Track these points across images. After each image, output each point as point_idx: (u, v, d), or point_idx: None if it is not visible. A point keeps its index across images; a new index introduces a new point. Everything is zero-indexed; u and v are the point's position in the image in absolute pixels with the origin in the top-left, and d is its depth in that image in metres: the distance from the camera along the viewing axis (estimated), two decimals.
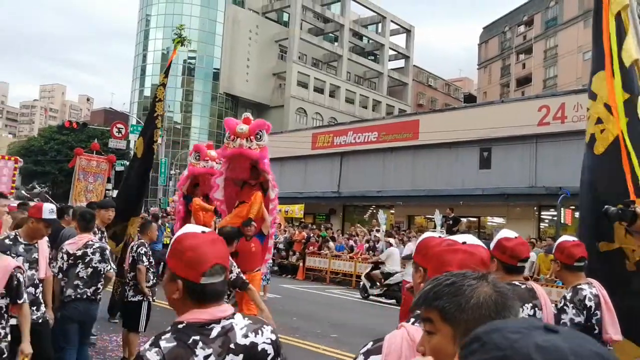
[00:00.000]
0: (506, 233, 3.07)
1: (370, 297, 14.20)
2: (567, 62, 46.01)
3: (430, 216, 21.25)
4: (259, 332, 1.72)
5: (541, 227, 22.57)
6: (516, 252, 2.95)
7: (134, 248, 6.67)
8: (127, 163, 10.03)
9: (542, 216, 22.67)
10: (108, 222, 6.95)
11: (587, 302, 3.23)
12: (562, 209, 16.72)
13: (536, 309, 2.87)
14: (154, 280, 6.66)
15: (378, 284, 14.13)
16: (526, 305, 2.84)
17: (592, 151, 3.95)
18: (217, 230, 7.00)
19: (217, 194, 9.21)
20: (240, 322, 1.70)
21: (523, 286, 2.95)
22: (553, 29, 48.76)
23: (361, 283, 14.74)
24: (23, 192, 17.67)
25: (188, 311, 1.66)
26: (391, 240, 15.81)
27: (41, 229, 4.63)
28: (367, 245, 18.82)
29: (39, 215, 4.57)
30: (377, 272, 14.25)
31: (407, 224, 26.27)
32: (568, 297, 3.27)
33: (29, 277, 4.37)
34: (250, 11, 53.15)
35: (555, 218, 19.22)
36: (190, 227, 1.79)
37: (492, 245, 2.99)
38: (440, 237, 2.64)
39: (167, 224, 19.59)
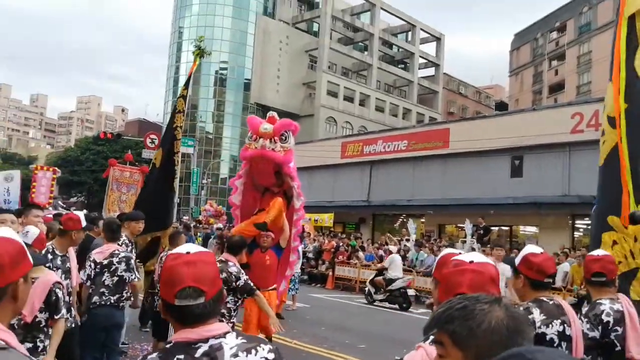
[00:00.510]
0: (532, 248, 3.04)
1: (375, 302, 14.80)
2: (601, 68, 44.88)
3: (461, 225, 21.03)
4: (252, 351, 1.66)
5: (575, 236, 22.09)
6: (543, 267, 2.92)
7: (163, 259, 6.79)
8: None
9: (576, 225, 22.18)
10: (138, 234, 7.07)
11: (604, 317, 3.20)
12: None
13: (565, 325, 2.82)
14: None
15: (382, 289, 14.69)
16: (555, 321, 2.79)
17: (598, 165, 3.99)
18: (225, 239, 7.05)
19: (235, 197, 8.32)
20: (231, 342, 1.66)
21: (551, 302, 2.90)
22: (587, 35, 47.83)
23: (366, 289, 15.30)
24: (59, 202, 18.12)
25: (178, 331, 1.69)
26: (391, 247, 16.31)
27: (81, 237, 4.97)
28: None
29: (80, 226, 4.90)
30: (380, 278, 14.81)
31: (438, 233, 26.01)
32: (584, 312, 3.30)
33: (65, 286, 4.51)
34: (281, 22, 53.67)
35: (590, 227, 18.78)
36: (180, 247, 1.80)
37: (517, 260, 2.99)
38: (460, 252, 2.65)
39: (199, 234, 19.88)
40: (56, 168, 19.11)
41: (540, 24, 54.71)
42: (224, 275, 5.67)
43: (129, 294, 5.68)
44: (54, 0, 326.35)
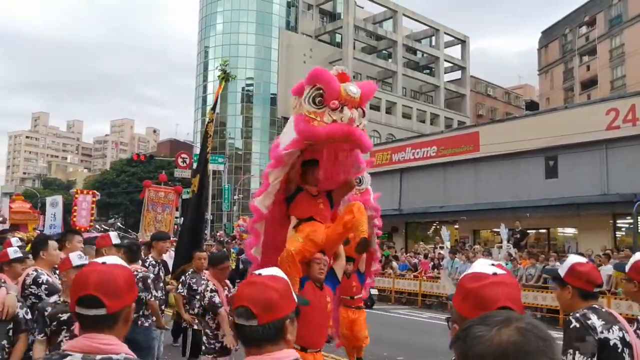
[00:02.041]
0: (576, 258, 2.98)
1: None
2: (635, 61, 43.85)
3: (496, 230, 20.58)
4: None
5: (617, 236, 21.38)
6: (592, 277, 2.85)
7: (184, 279, 6.84)
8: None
9: (617, 225, 21.48)
10: (165, 253, 7.13)
11: None
12: (638, 217, 15.79)
13: (623, 331, 2.71)
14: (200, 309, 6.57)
15: None
16: (614, 326, 2.69)
17: None
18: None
19: (261, 200, 4.71)
20: None
21: (603, 310, 2.82)
22: (618, 27, 46.71)
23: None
24: (97, 226, 18.54)
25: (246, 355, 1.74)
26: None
27: (114, 254, 4.90)
28: (432, 263, 18.43)
29: (110, 243, 5.07)
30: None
31: (473, 239, 25.53)
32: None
33: None
34: (304, 35, 53.99)
35: (632, 227, 18.18)
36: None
37: (563, 272, 2.90)
38: (492, 264, 2.48)
39: (232, 249, 19.96)
40: (96, 192, 19.53)
41: (568, 19, 53.70)
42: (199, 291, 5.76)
43: (148, 312, 5.82)
44: (84, 28, 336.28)
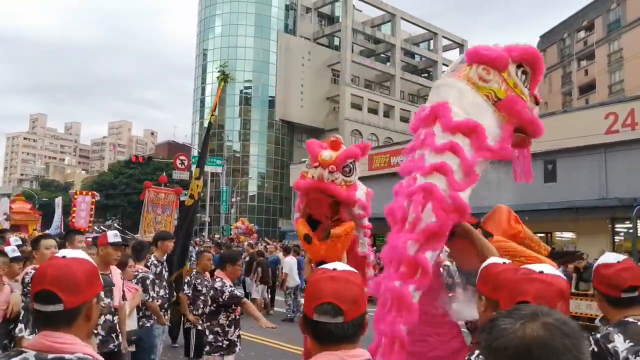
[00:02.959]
0: (607, 258, 2.57)
1: None
2: (634, 65, 43.98)
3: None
4: None
5: (616, 240, 21.37)
6: (614, 280, 2.43)
7: (189, 279, 6.85)
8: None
9: (616, 229, 21.48)
10: (169, 253, 7.16)
11: None
12: (638, 221, 15.77)
13: None
14: (207, 308, 6.64)
15: None
16: None
17: None
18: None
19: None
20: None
21: (639, 323, 2.37)
22: (616, 32, 46.86)
23: None
24: (95, 227, 18.54)
25: (317, 352, 1.66)
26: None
27: (111, 253, 4.94)
28: None
29: (107, 241, 4.94)
30: None
31: None
32: None
33: (106, 305, 4.71)
34: (302, 38, 54.03)
35: (632, 231, 18.17)
36: (329, 264, 1.77)
37: (593, 275, 2.59)
38: (504, 262, 2.46)
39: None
40: (95, 192, 19.53)
41: (567, 24, 53.87)
42: (212, 292, 5.75)
43: (149, 312, 5.97)
44: (84, 30, 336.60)
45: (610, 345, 2.25)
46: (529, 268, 1.74)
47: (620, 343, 2.26)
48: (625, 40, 45.55)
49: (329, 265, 1.72)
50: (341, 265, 1.71)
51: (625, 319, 2.37)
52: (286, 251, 16.17)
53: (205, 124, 53.39)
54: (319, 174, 5.50)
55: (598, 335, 2.32)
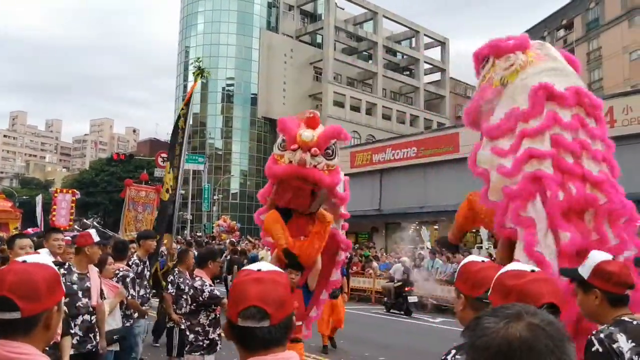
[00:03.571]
0: (601, 255, 2.51)
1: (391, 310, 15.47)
2: (612, 64, 44.62)
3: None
4: None
5: None
6: (623, 277, 2.43)
7: (172, 279, 6.82)
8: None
9: None
10: (152, 252, 7.16)
11: None
12: None
13: None
14: (189, 307, 6.63)
15: (392, 296, 15.42)
16: None
17: None
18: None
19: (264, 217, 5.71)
20: None
21: (635, 322, 2.36)
22: (595, 31, 47.45)
23: (384, 298, 16.08)
24: (76, 226, 18.29)
25: (243, 357, 1.60)
26: (403, 258, 16.38)
27: (97, 252, 4.95)
28: (413, 263, 18.49)
29: (92, 241, 4.85)
30: (390, 284, 15.55)
31: None
32: None
33: (83, 305, 4.66)
34: (284, 36, 53.93)
35: None
36: (252, 265, 1.68)
37: (586, 272, 2.48)
38: (483, 261, 2.38)
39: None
40: (75, 190, 19.29)
41: (547, 22, 54.43)
42: (191, 292, 5.72)
43: (130, 311, 6.04)
44: (67, 29, 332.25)
45: (615, 346, 2.23)
46: (517, 269, 1.68)
47: (623, 343, 2.24)
48: (604, 39, 46.17)
49: (253, 266, 1.63)
50: (266, 265, 1.63)
51: (622, 318, 2.36)
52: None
53: (189, 122, 53.23)
54: (300, 157, 4.98)
55: (602, 335, 2.28)
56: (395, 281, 15.41)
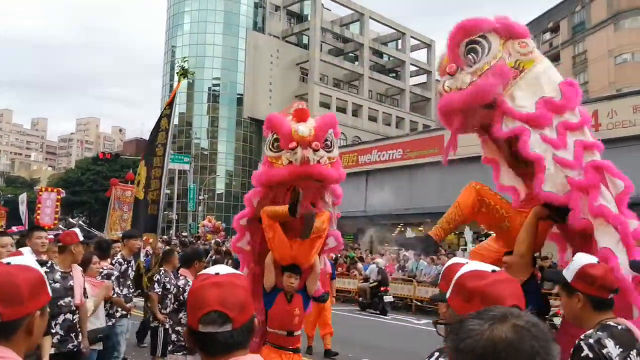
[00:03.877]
0: (586, 259, 2.47)
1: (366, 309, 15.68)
2: (597, 68, 45.10)
3: (460, 232, 20.88)
4: None
5: None
6: (607, 281, 2.41)
7: (157, 278, 6.81)
8: None
9: None
10: (136, 252, 7.17)
11: None
12: None
13: None
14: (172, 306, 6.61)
15: (368, 296, 15.66)
16: (631, 353, 2.26)
17: None
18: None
19: (242, 243, 5.12)
20: None
21: (619, 327, 2.34)
22: (581, 34, 47.92)
23: (360, 298, 16.17)
24: (60, 225, 18.04)
25: None
26: (378, 260, 16.85)
27: (82, 251, 4.92)
28: (397, 264, 18.56)
29: (78, 239, 4.83)
30: (365, 284, 15.82)
31: None
32: None
33: (66, 304, 4.63)
34: (271, 36, 53.86)
35: None
36: (210, 268, 1.65)
37: (570, 275, 2.45)
38: (467, 261, 2.43)
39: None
40: (60, 189, 19.09)
41: (533, 25, 54.70)
42: (174, 290, 5.70)
43: (113, 310, 6.12)
44: (51, 26, 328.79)
45: (604, 351, 2.22)
46: (477, 269, 1.61)
47: (612, 348, 2.23)
48: (590, 42, 46.63)
49: (211, 270, 1.59)
50: (224, 269, 1.60)
51: (608, 323, 2.34)
52: None
53: (175, 121, 52.92)
54: (302, 155, 4.53)
55: (591, 341, 2.26)
56: (371, 281, 15.55)
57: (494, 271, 1.56)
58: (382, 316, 14.80)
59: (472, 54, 3.71)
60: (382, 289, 15.29)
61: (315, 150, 4.57)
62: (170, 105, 9.29)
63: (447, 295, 1.62)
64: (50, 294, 1.62)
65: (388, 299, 15.21)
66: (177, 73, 9.57)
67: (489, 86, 3.60)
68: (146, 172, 8.80)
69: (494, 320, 1.11)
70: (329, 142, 4.77)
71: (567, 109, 3.63)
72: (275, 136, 4.72)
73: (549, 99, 3.61)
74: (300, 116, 4.80)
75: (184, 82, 10.11)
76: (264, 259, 4.90)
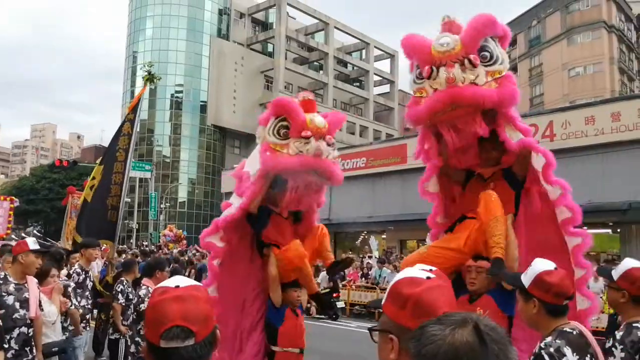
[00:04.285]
0: (543, 265, 2.49)
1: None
2: (552, 80, 46.55)
3: (422, 239, 21.11)
4: None
5: None
6: (562, 289, 2.42)
7: (119, 290, 6.65)
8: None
9: None
10: (94, 260, 7.00)
11: None
12: None
13: (594, 359, 2.34)
14: (132, 317, 6.49)
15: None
16: (586, 358, 2.30)
17: None
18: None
19: (213, 238, 4.53)
20: None
21: (574, 332, 2.38)
22: (537, 48, 49.42)
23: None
24: (13, 235, 17.40)
25: None
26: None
27: (34, 261, 4.65)
28: (360, 272, 18.62)
29: (27, 248, 4.60)
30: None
31: (400, 248, 26.10)
32: (618, 337, 2.72)
33: (21, 317, 4.43)
34: (235, 44, 53.63)
35: None
36: (168, 280, 1.59)
37: (527, 281, 2.47)
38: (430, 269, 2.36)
39: None
40: (13, 197, 18.52)
41: None
42: (134, 300, 5.61)
43: (67, 323, 5.80)
44: (6, 28, 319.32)
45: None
46: (412, 275, 1.55)
47: (570, 356, 2.26)
48: (545, 56, 48.13)
49: (170, 283, 1.55)
50: (184, 280, 1.56)
51: (564, 329, 2.38)
52: None
53: (136, 128, 52.03)
54: (317, 147, 4.11)
55: (551, 350, 2.28)
56: (322, 288, 15.73)
57: (428, 278, 1.53)
58: (345, 323, 14.82)
59: (487, 53, 3.42)
60: (334, 295, 15.73)
61: (329, 144, 4.23)
62: (134, 109, 8.95)
63: (383, 301, 1.58)
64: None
65: (340, 304, 15.82)
66: (143, 78, 9.34)
67: (516, 94, 3.42)
68: (102, 176, 8.40)
69: (454, 325, 1.13)
70: (333, 141, 4.46)
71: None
72: (282, 122, 4.25)
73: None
74: (308, 107, 4.34)
75: (149, 87, 9.89)
76: (241, 257, 4.63)
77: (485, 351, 1.08)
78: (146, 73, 9.32)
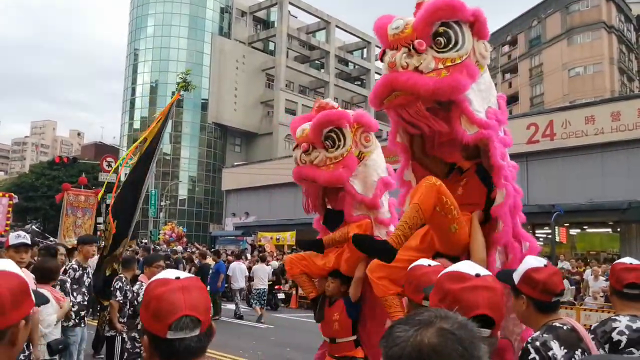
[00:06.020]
0: (533, 262, 2.49)
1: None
2: (552, 80, 46.53)
3: None
4: None
5: None
6: (550, 285, 2.41)
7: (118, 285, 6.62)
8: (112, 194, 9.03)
9: (537, 235, 22.54)
10: (91, 258, 6.93)
11: (614, 335, 2.62)
12: (556, 227, 16.61)
13: (586, 354, 2.33)
14: (128, 313, 6.44)
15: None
16: (576, 352, 2.29)
17: None
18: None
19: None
20: None
21: (565, 327, 2.37)
22: (537, 48, 49.41)
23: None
24: (12, 232, 17.43)
25: None
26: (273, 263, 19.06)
27: (13, 256, 4.60)
28: None
29: (7, 244, 4.67)
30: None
31: None
32: (592, 327, 2.77)
33: None
34: (237, 42, 53.61)
35: (550, 236, 19.11)
36: (165, 272, 1.56)
37: (517, 278, 2.48)
38: (429, 265, 2.38)
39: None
40: (12, 194, 18.55)
41: (492, 38, 55.37)
42: (130, 296, 5.57)
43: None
44: (3, 27, 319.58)
45: (550, 353, 2.26)
46: (460, 270, 1.57)
47: (557, 350, 2.27)
48: (545, 55, 48.11)
49: (168, 275, 1.53)
50: (182, 273, 1.55)
51: (554, 324, 2.39)
52: (217, 255, 16.45)
53: (135, 125, 52.20)
54: (294, 158, 4.55)
55: (537, 344, 2.30)
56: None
57: (478, 275, 1.52)
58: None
59: (443, 38, 3.16)
60: (276, 287, 18.10)
61: (304, 151, 4.32)
62: (166, 121, 8.63)
63: (430, 292, 1.57)
64: (35, 301, 1.49)
65: (281, 295, 18.30)
66: (178, 84, 8.86)
67: (464, 83, 3.12)
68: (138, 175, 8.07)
69: (419, 326, 1.11)
70: (330, 142, 4.34)
71: (504, 123, 3.49)
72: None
73: (494, 110, 3.41)
74: (319, 112, 4.57)
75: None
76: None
77: (448, 353, 1.06)
78: (181, 80, 8.84)
